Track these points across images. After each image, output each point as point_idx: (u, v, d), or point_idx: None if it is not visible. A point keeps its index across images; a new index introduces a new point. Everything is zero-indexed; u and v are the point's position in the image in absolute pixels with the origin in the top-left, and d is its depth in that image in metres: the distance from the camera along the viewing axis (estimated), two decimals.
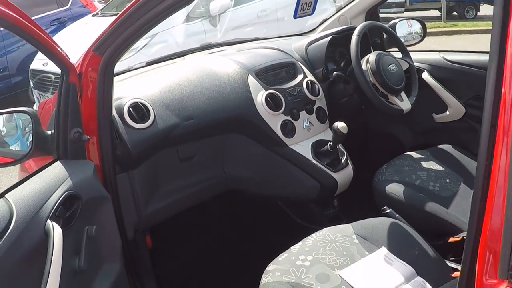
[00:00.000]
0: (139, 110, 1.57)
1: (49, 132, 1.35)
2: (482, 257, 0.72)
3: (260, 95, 1.78)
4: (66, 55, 1.27)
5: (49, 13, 6.06)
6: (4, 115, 1.34)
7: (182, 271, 1.96)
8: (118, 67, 1.54)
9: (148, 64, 2.11)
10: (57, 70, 1.48)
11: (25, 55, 5.46)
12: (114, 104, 1.54)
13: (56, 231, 1.07)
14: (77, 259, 1.23)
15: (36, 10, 5.80)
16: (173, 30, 4.80)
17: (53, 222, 1.09)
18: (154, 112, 1.59)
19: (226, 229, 2.03)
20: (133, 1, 1.34)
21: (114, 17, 1.38)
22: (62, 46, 1.28)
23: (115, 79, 1.65)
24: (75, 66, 1.40)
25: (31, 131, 1.31)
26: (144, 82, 1.78)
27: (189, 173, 1.79)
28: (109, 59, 1.40)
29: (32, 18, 1.19)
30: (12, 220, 1.01)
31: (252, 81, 1.81)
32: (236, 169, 1.88)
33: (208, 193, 1.87)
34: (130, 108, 1.55)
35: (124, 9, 1.36)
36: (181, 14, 4.99)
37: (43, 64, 4.74)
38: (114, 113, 1.53)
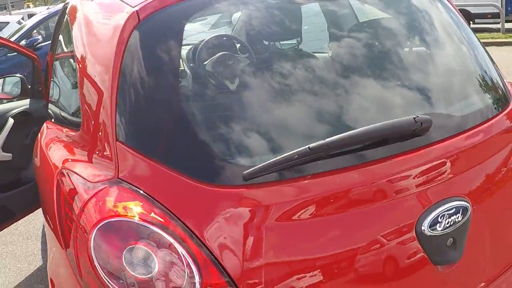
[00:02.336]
0: None
1: (29, 86, 3.05)
2: None
3: None
4: (29, 51, 2.95)
5: None
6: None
7: None
8: None
9: None
10: None
11: None
12: None
13: (10, 121, 2.74)
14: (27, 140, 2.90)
15: None
16: (200, 36, 6.43)
17: (11, 118, 2.76)
18: None
19: None
20: None
21: None
22: None
23: None
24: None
25: (20, 85, 3.03)
26: None
27: None
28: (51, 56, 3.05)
29: None
30: None
31: None
32: None
33: None
34: None
35: None
36: (208, 23, 6.60)
37: None
38: None
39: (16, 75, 3.03)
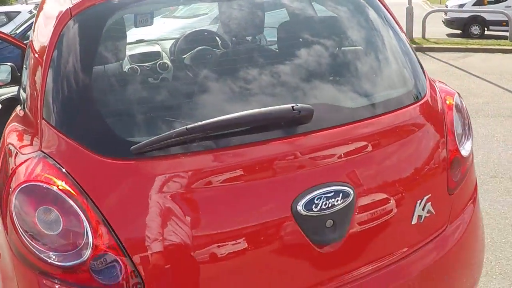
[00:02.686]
0: None
1: (18, 74, 3.28)
2: None
3: None
4: (18, 41, 3.18)
5: None
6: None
7: None
8: None
9: None
10: None
11: None
12: None
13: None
14: None
15: None
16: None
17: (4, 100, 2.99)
18: None
19: None
20: None
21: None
22: None
23: None
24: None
25: (11, 73, 3.26)
26: None
27: None
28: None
29: None
30: None
31: None
32: None
33: None
34: None
35: None
36: (208, 18, 6.79)
37: None
38: None
39: (7, 63, 3.26)
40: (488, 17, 13.00)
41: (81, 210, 1.23)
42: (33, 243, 1.25)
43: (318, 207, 1.35)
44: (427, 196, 1.58)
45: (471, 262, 1.82)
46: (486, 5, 13.24)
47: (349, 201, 1.40)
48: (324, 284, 1.41)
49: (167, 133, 1.28)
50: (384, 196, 1.50)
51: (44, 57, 1.46)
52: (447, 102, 1.82)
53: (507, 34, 11.18)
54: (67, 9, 1.49)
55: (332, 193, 1.37)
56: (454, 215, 1.71)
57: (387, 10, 1.90)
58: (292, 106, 1.35)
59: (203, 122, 1.28)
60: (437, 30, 13.25)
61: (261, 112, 1.35)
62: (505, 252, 2.95)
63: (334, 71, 1.69)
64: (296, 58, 1.64)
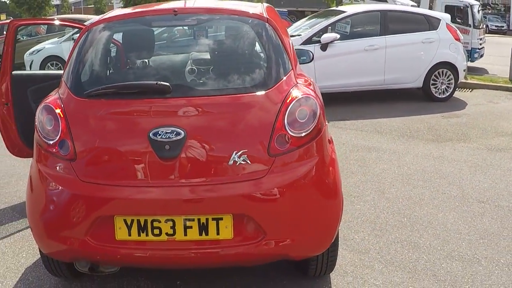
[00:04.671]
0: None
1: None
2: None
3: None
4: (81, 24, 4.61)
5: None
6: None
7: None
8: None
9: None
10: None
11: None
12: None
13: None
14: None
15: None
16: None
17: None
18: None
19: None
20: None
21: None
22: None
23: None
24: None
25: None
26: None
27: None
28: None
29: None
30: None
31: None
32: None
33: None
34: None
35: None
36: (299, 39, 7.87)
37: None
38: None
39: None
40: None
41: (60, 121, 2.62)
42: (41, 133, 2.66)
43: (160, 136, 2.47)
44: (243, 150, 2.47)
45: (304, 204, 2.54)
46: None
47: (180, 138, 2.46)
48: (162, 179, 2.51)
49: (97, 87, 2.68)
50: (209, 141, 2.50)
51: (72, 48, 2.99)
52: (293, 96, 2.58)
53: None
54: (86, 25, 3.08)
55: (170, 131, 2.47)
56: (279, 169, 2.49)
57: (276, 34, 2.88)
58: (156, 82, 2.62)
59: (112, 84, 2.77)
60: None
61: (141, 83, 2.75)
62: (359, 232, 3.79)
63: (206, 69, 3.00)
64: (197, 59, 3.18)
